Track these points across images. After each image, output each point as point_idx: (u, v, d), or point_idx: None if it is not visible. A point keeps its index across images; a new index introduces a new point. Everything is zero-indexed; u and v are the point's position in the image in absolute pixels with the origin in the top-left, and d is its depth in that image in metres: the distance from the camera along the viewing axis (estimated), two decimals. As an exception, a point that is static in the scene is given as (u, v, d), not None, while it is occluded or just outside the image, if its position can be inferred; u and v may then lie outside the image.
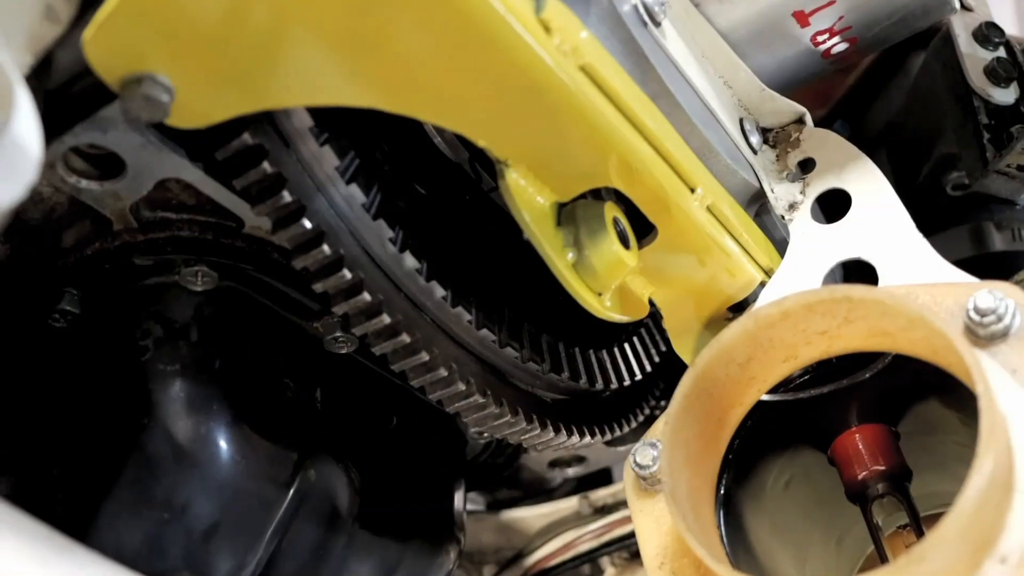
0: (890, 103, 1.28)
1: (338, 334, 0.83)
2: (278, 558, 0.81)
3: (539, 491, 1.35)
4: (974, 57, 1.05)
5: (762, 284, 0.84)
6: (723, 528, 0.76)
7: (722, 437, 0.75)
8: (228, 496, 0.78)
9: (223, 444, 0.78)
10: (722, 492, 0.78)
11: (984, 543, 0.57)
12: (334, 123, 0.72)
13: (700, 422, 0.72)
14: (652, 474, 0.75)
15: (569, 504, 1.32)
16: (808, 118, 0.92)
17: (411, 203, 0.80)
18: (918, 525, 0.81)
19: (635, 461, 0.76)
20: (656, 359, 1.02)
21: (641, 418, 1.04)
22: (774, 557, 0.82)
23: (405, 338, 0.73)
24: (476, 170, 0.84)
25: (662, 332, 1.05)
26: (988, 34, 1.06)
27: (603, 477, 1.37)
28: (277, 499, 0.81)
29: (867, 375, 0.77)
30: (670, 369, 1.05)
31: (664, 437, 0.68)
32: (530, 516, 1.33)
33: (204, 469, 0.77)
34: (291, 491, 0.81)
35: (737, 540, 0.78)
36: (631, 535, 1.26)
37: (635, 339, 1.00)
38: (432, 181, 0.84)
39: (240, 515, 0.78)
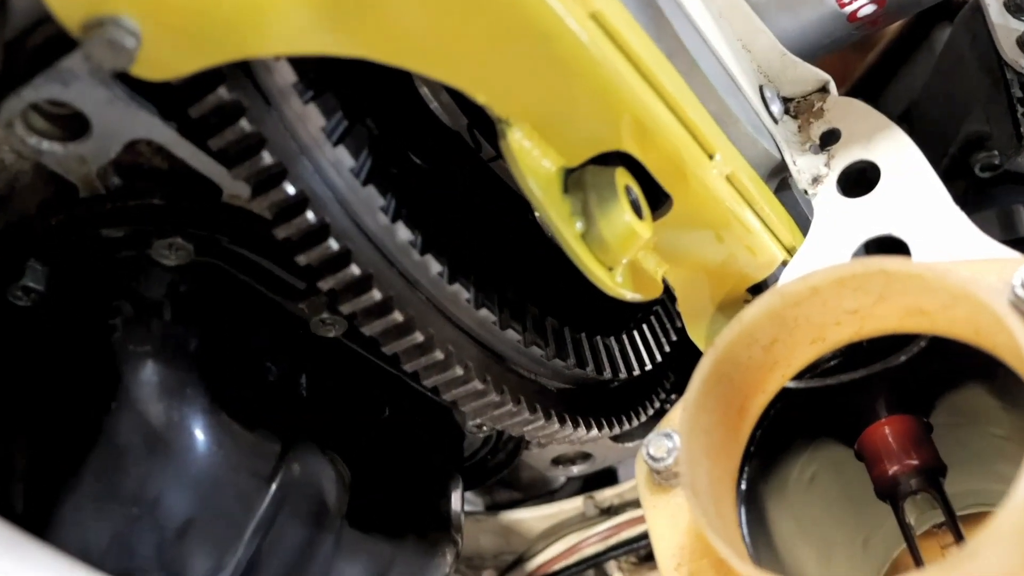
0: (913, 80, 1.23)
1: (325, 315, 0.78)
2: (260, 559, 0.76)
3: (541, 491, 1.30)
4: (1006, 28, 1.01)
5: (783, 264, 0.80)
6: (745, 526, 0.71)
7: (743, 427, 0.70)
8: (204, 490, 0.72)
9: (198, 432, 0.73)
10: (743, 487, 0.73)
11: (1044, 539, 0.52)
12: (321, 83, 0.67)
13: (720, 409, 0.67)
14: (667, 467, 0.70)
15: (573, 505, 1.27)
16: (832, 86, 0.87)
17: (405, 172, 0.75)
18: (955, 524, 0.76)
19: (648, 453, 0.71)
20: (667, 348, 0.97)
21: (651, 411, 0.99)
22: (798, 557, 0.78)
23: (397, 316, 0.68)
24: (476, 138, 0.79)
25: (673, 319, 1.00)
26: (1020, 3, 1.01)
27: (609, 477, 1.32)
28: (258, 494, 0.75)
29: (902, 359, 0.72)
30: (682, 360, 1.01)
31: (682, 424, 0.63)
32: (532, 518, 1.28)
33: (177, 460, 0.72)
34: (273, 485, 0.76)
35: (760, 538, 0.73)
36: (640, 537, 1.21)
37: (646, 326, 0.95)
38: (428, 150, 0.79)
39: (217, 511, 0.73)
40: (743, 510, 0.72)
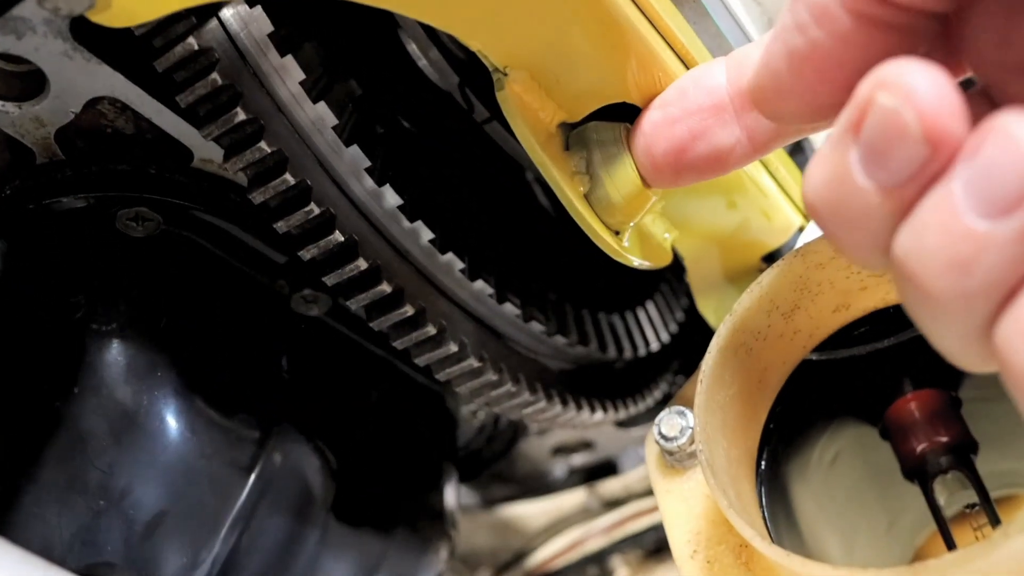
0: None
1: (306, 292, 0.75)
2: (239, 554, 0.72)
3: (540, 484, 1.27)
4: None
5: (800, 230, 0.77)
6: (766, 508, 0.68)
7: (763, 402, 0.68)
8: (176, 481, 0.69)
9: (169, 418, 0.69)
10: (763, 467, 0.70)
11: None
12: (300, 36, 0.64)
13: (738, 382, 0.64)
14: (680, 447, 0.68)
15: (574, 498, 1.24)
16: (848, 41, 0.84)
17: (393, 134, 0.72)
18: (989, 503, 0.73)
19: (660, 432, 0.68)
20: (674, 328, 0.94)
21: (658, 395, 0.96)
22: (821, 541, 0.75)
23: (385, 287, 0.65)
24: (468, 98, 0.76)
25: (679, 298, 0.97)
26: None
27: (611, 470, 1.29)
28: (236, 484, 0.72)
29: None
30: (688, 342, 0.99)
31: (698, 398, 0.60)
32: (530, 513, 1.25)
33: (147, 448, 0.68)
34: (252, 475, 0.73)
35: (781, 522, 0.70)
36: (647, 530, 1.18)
37: (651, 304, 0.93)
38: (417, 112, 0.76)
39: (191, 503, 0.70)
40: (763, 491, 0.69)
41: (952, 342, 0.40)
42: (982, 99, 0.44)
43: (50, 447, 0.67)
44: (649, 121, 0.58)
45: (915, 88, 0.37)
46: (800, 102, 0.46)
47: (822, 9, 0.43)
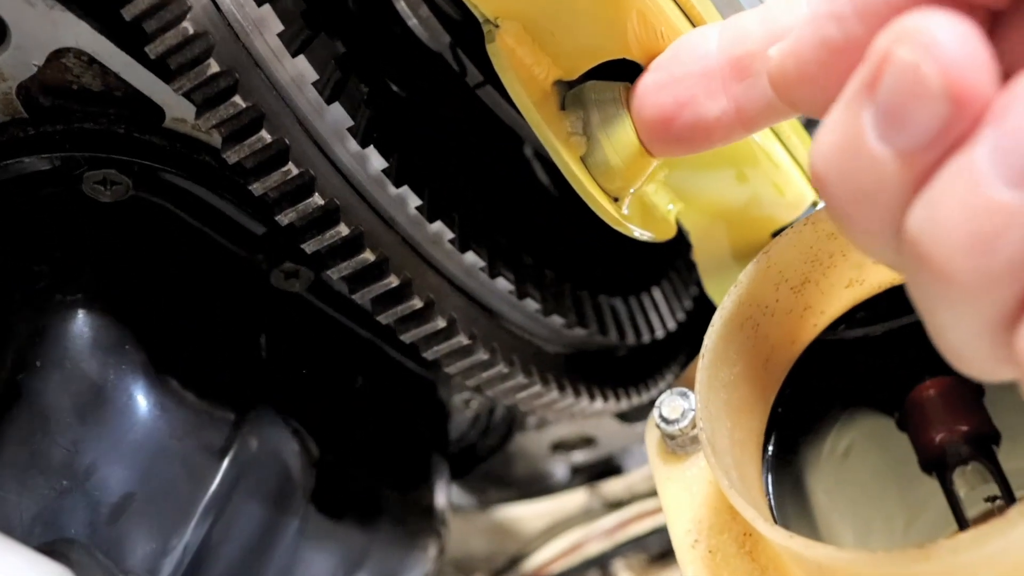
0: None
1: (286, 266, 0.74)
2: (212, 544, 0.72)
3: (539, 486, 1.26)
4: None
5: (813, 205, 0.76)
6: (772, 496, 0.67)
7: (770, 383, 0.67)
8: (145, 462, 0.68)
9: (138, 395, 0.68)
10: (770, 453, 0.69)
11: None
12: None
13: (743, 361, 0.64)
14: (682, 430, 0.67)
15: (575, 498, 1.23)
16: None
17: (379, 93, 0.71)
18: (1010, 495, 0.72)
19: (661, 414, 0.67)
20: (681, 315, 0.93)
21: (663, 386, 0.95)
22: (836, 539, 0.74)
23: (369, 256, 0.65)
24: (460, 60, 0.76)
25: (688, 284, 0.97)
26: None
27: (615, 471, 1.28)
28: (209, 469, 0.71)
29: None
30: (695, 334, 0.98)
31: (701, 373, 0.59)
32: (528, 514, 1.24)
33: (113, 426, 0.68)
34: (227, 460, 0.72)
35: (790, 512, 0.69)
36: (651, 532, 1.17)
37: (656, 290, 0.92)
38: (406, 75, 0.75)
39: (161, 487, 0.69)
40: (770, 479, 0.68)
41: (963, 339, 0.38)
42: None
43: (10, 423, 0.67)
44: (643, 83, 0.57)
45: (936, 39, 0.35)
46: (822, 93, 0.43)
47: (867, 2, 0.40)
